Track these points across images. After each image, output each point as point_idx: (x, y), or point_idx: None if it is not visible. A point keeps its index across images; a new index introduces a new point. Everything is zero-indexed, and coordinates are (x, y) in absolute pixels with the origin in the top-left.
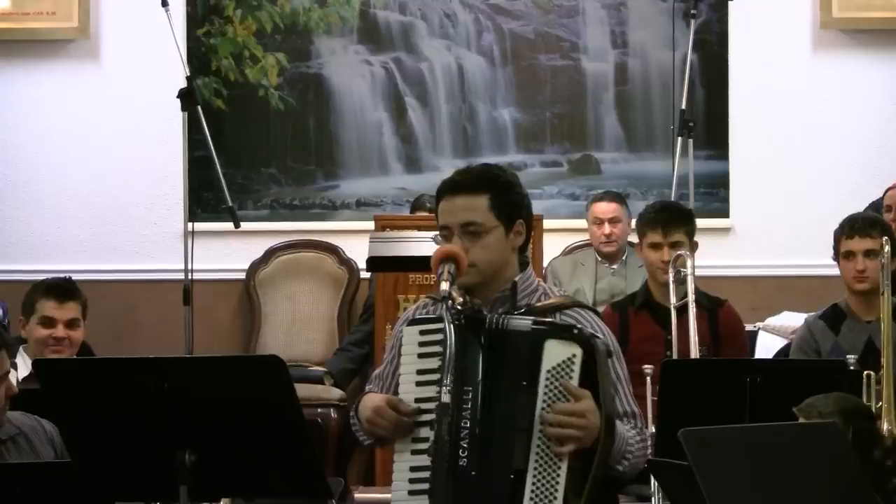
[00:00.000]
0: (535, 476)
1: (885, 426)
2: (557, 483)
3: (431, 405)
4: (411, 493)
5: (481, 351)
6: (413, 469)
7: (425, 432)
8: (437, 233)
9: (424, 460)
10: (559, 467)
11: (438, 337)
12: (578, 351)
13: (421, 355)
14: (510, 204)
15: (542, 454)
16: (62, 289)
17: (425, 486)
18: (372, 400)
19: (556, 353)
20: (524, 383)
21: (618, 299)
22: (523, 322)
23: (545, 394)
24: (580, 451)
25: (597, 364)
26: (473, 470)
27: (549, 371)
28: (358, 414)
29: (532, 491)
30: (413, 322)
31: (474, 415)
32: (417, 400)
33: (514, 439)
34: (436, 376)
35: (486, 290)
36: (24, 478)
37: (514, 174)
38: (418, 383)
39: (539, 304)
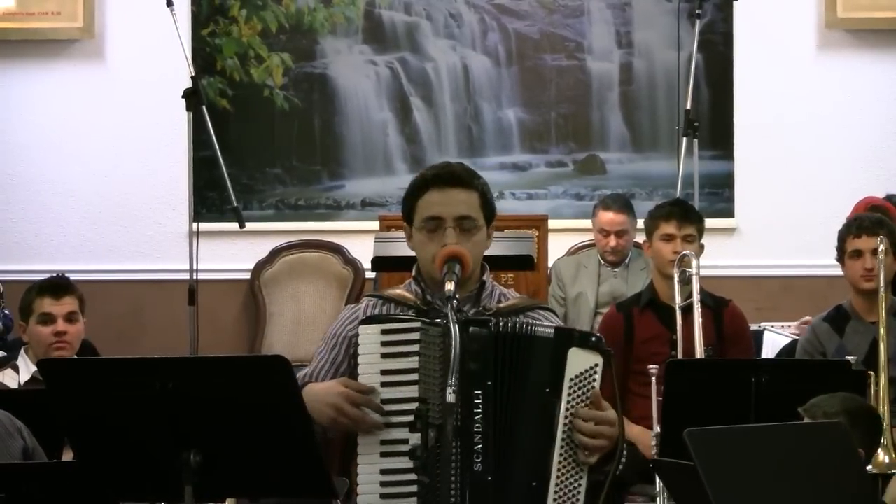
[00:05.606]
0: (558, 485)
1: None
2: (580, 492)
3: (401, 406)
4: (384, 496)
5: (488, 354)
6: (385, 472)
7: (397, 433)
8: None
9: (399, 462)
10: (582, 476)
11: (407, 337)
12: (599, 360)
13: (385, 355)
14: (490, 206)
15: (566, 463)
16: (56, 284)
17: (401, 489)
18: (326, 388)
19: (579, 361)
20: (546, 390)
21: (622, 300)
22: (545, 329)
23: (568, 402)
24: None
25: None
26: (489, 475)
27: (572, 379)
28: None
29: (555, 500)
30: (369, 321)
31: (487, 418)
32: (384, 401)
33: (532, 446)
34: (406, 377)
35: (460, 288)
36: (29, 478)
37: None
38: (384, 384)
39: (502, 304)
